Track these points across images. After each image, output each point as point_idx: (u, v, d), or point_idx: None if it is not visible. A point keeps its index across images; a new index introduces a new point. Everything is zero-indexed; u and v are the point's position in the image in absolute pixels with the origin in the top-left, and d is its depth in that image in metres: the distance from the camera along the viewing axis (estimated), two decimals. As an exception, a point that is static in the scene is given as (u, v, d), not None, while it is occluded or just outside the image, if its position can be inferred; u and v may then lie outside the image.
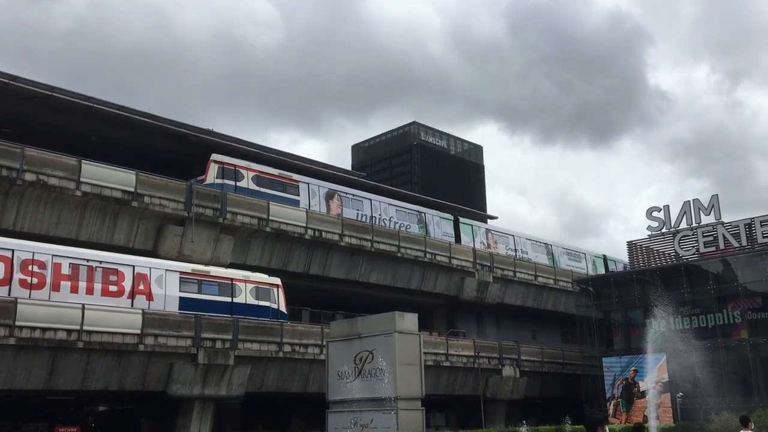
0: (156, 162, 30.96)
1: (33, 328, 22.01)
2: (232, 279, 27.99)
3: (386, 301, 34.28)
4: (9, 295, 21.86)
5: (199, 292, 26.90)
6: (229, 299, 27.47)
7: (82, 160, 25.50)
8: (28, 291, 22.43)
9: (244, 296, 27.98)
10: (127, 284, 24.91)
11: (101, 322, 23.57)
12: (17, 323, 21.61)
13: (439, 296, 40.06)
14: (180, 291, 26.24)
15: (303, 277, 32.93)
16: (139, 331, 24.37)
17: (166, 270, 26.10)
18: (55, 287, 23.03)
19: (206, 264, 28.28)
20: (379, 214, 37.63)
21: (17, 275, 22.29)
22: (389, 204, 38.97)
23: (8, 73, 26.79)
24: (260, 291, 28.86)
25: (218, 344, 26.46)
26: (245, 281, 28.33)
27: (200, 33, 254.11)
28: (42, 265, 22.93)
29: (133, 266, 25.25)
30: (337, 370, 23.23)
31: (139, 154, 31.34)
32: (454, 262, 39.47)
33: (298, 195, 33.67)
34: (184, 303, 26.29)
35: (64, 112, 28.44)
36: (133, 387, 24.75)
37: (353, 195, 37.13)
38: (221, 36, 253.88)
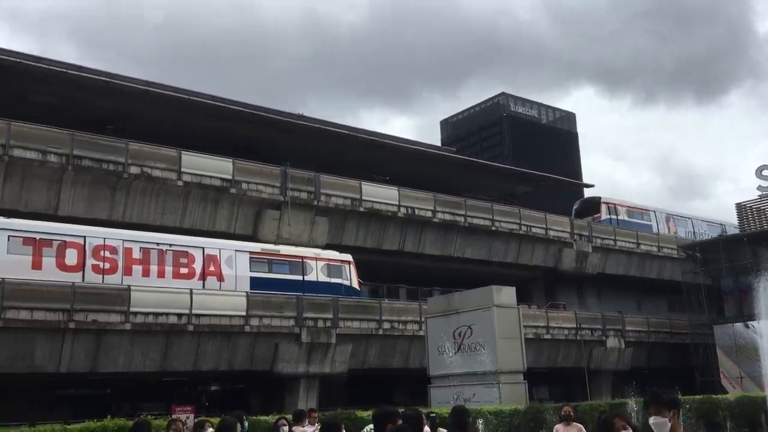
0: (249, 149, 31.84)
1: (146, 314, 23.24)
2: (302, 257, 27.83)
3: (482, 275, 33.99)
4: (83, 280, 22.70)
5: (270, 271, 26.86)
6: (299, 277, 27.32)
7: (182, 151, 26.57)
8: (101, 276, 23.21)
9: (315, 274, 27.78)
10: (198, 266, 25.22)
11: (208, 306, 24.60)
12: (131, 309, 22.89)
13: (537, 269, 39.33)
14: (250, 271, 26.29)
15: (398, 255, 33.14)
16: (244, 313, 25.28)
17: (236, 250, 26.15)
18: (127, 271, 23.55)
19: (305, 245, 28.93)
20: None
21: (90, 261, 23.05)
22: None
23: (107, 72, 28.18)
24: (332, 268, 28.74)
25: (320, 323, 27.09)
26: (316, 259, 28.15)
27: (285, 16, 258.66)
28: (113, 250, 23.62)
29: (203, 248, 25.49)
30: (437, 346, 23.27)
31: (233, 142, 32.31)
32: (551, 233, 38.59)
33: (650, 221, 44.52)
34: (255, 283, 26.40)
35: (160, 105, 29.63)
36: (241, 367, 25.75)
37: (678, 216, 47.09)
38: (306, 18, 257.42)
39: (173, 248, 24.78)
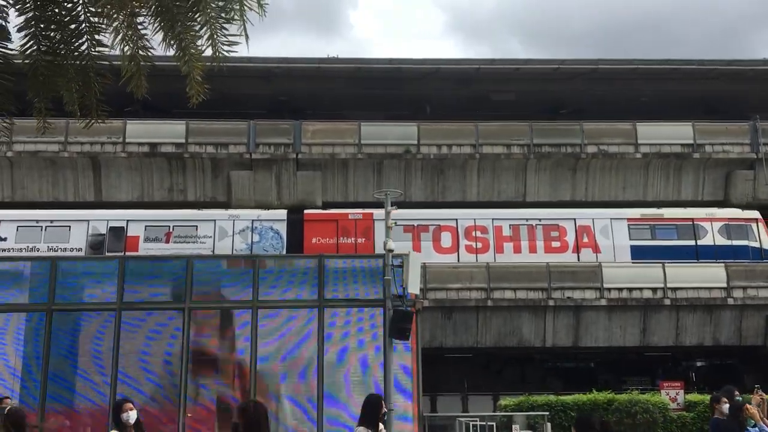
0: (708, 107, 29.34)
1: (620, 289, 23.43)
2: (693, 219, 24.78)
3: None
4: (458, 261, 23.73)
5: (653, 238, 24.55)
6: (691, 242, 24.43)
7: (637, 123, 26.04)
8: (474, 255, 23.96)
9: (711, 237, 24.50)
10: (570, 238, 24.42)
11: (682, 279, 23.56)
12: (605, 285, 23.34)
13: None
14: (630, 239, 24.42)
15: None
16: (724, 285, 23.46)
17: (612, 219, 24.56)
18: (498, 249, 23.98)
19: None
20: None
21: (463, 242, 24.05)
22: None
23: (552, 59, 29.22)
24: (732, 228, 24.65)
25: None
26: (710, 219, 24.74)
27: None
28: (484, 230, 24.22)
29: (575, 219, 24.60)
30: None
31: (688, 103, 30.19)
32: None
33: None
34: (636, 252, 24.29)
35: (607, 81, 29.38)
36: (728, 342, 23.95)
37: None
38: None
39: (542, 222, 24.67)
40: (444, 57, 31.82)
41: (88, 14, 6.55)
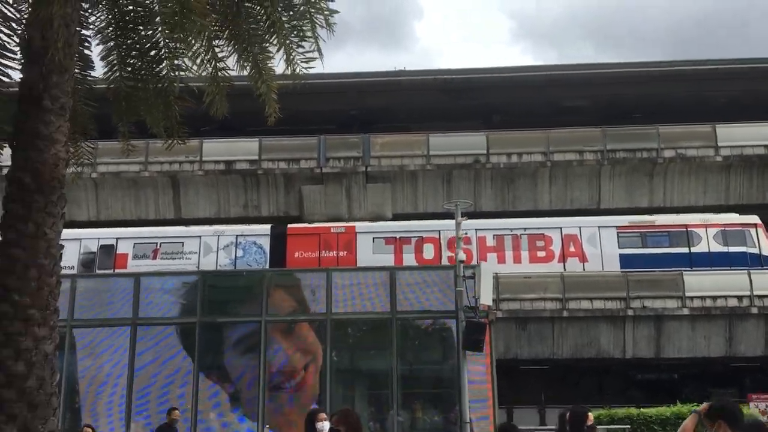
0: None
1: (703, 298, 22.55)
2: (686, 226, 23.69)
3: None
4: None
5: (643, 246, 23.71)
6: (684, 249, 23.40)
7: (716, 125, 25.13)
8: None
9: (706, 243, 23.39)
10: (556, 248, 23.77)
11: (768, 286, 22.53)
12: (687, 294, 22.52)
13: None
14: (619, 248, 23.59)
15: None
16: (817, 292, 22.27)
17: (599, 227, 23.74)
18: (482, 259, 23.27)
19: None
20: None
21: (445, 253, 23.43)
22: None
23: (626, 62, 28.52)
24: (728, 234, 23.33)
25: None
26: (705, 225, 23.56)
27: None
28: (467, 241, 23.29)
29: (561, 228, 23.94)
30: None
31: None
32: None
33: None
34: (626, 261, 23.33)
35: (683, 82, 28.40)
36: (822, 352, 22.66)
37: None
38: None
39: (528, 232, 24.13)
40: (512, 65, 31.48)
41: (167, 40, 6.87)
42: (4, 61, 7.43)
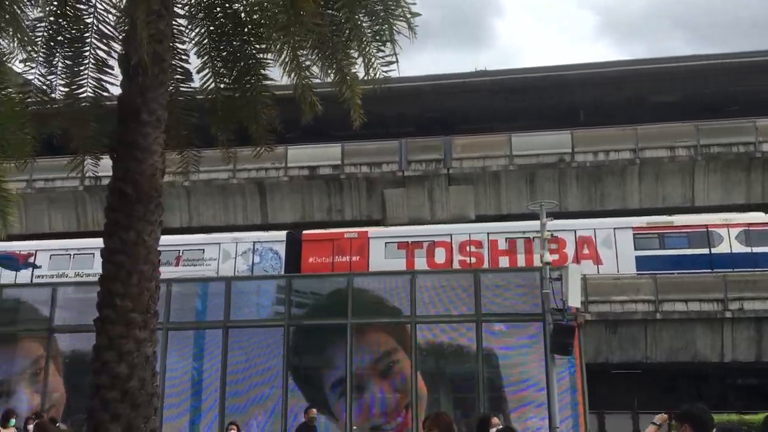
0: None
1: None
2: (707, 225, 22.81)
3: None
4: None
5: (661, 247, 22.90)
6: (705, 250, 22.54)
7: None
8: None
9: (728, 244, 22.45)
10: (569, 250, 23.19)
11: None
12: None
13: None
14: (635, 249, 22.85)
15: None
16: None
17: (615, 228, 23.04)
18: (494, 263, 23.29)
19: None
20: None
21: (456, 257, 23.59)
22: None
23: (719, 53, 27.20)
24: (752, 234, 22.24)
25: None
26: (727, 225, 22.59)
27: None
28: (478, 244, 23.72)
29: (575, 230, 23.33)
30: None
31: None
32: None
33: None
34: (643, 262, 22.37)
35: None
36: None
37: None
38: None
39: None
40: (596, 61, 30.67)
41: (255, 51, 7.09)
42: (104, 78, 7.85)
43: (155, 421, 7.30)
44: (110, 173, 7.45)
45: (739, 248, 22.73)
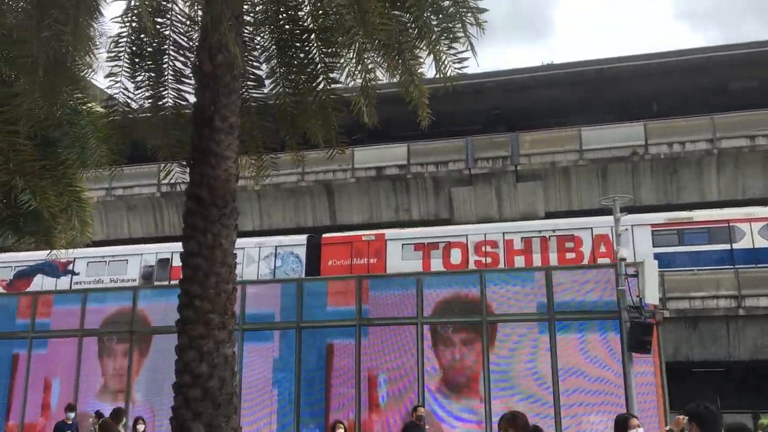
0: None
1: None
2: (728, 220, 22.07)
3: None
4: None
5: (680, 243, 22.32)
6: (726, 246, 21.84)
7: None
8: None
9: (750, 239, 21.73)
10: (586, 248, 22.95)
11: None
12: None
13: None
14: (653, 246, 22.06)
15: None
16: None
17: (632, 225, 21.80)
18: (509, 263, 23.44)
19: None
20: None
21: (472, 257, 23.67)
22: None
23: None
24: None
25: None
26: (749, 220, 21.81)
27: None
28: (494, 244, 23.68)
29: (591, 228, 23.01)
30: None
31: None
32: None
33: None
34: (662, 260, 20.41)
35: None
36: None
37: None
38: None
39: (557, 233, 23.62)
40: (668, 49, 29.61)
41: (322, 55, 7.19)
42: (182, 87, 8.11)
43: (236, 420, 7.48)
44: (186, 180, 7.70)
45: (762, 243, 22.14)
